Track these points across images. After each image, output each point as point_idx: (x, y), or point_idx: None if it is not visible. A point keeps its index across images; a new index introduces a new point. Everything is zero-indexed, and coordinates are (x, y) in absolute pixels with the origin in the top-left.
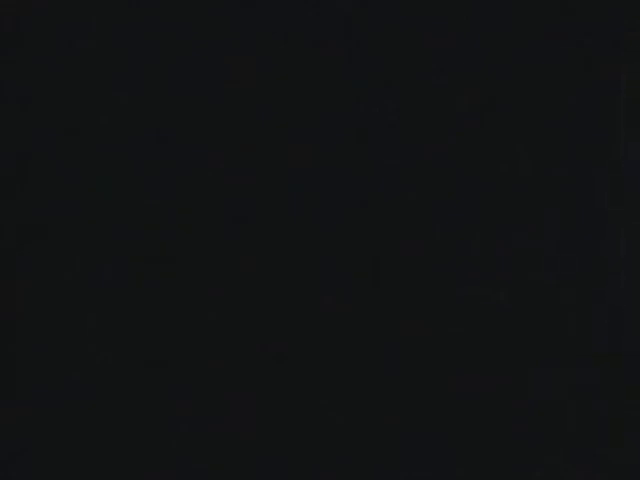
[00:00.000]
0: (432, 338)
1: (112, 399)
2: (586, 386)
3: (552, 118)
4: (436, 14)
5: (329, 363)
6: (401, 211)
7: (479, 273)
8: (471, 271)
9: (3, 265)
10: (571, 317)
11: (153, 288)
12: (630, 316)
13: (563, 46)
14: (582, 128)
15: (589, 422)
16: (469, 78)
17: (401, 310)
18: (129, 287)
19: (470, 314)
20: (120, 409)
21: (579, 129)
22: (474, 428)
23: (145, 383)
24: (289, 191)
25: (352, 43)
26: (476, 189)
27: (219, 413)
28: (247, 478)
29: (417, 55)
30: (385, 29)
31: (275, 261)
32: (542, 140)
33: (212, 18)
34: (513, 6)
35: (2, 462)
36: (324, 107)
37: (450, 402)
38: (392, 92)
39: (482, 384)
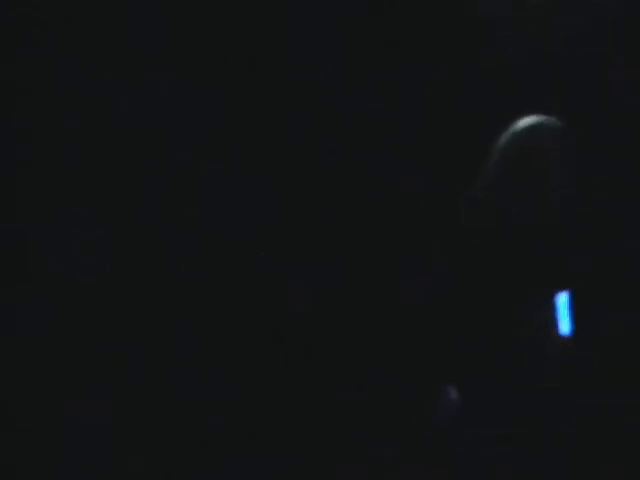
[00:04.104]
0: (431, 338)
1: (111, 399)
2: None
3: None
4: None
5: (329, 363)
6: (401, 210)
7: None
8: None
9: (3, 265)
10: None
11: (153, 288)
12: None
13: None
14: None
15: (589, 422)
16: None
17: (400, 310)
18: (129, 287)
19: (470, 314)
20: (119, 409)
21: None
22: (474, 428)
23: (145, 383)
24: (288, 191)
25: (351, 43)
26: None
27: (219, 413)
28: (247, 478)
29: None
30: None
31: (274, 261)
32: None
33: (212, 18)
34: None
35: (2, 462)
36: (324, 107)
37: (450, 402)
38: (390, 92)
39: (482, 384)
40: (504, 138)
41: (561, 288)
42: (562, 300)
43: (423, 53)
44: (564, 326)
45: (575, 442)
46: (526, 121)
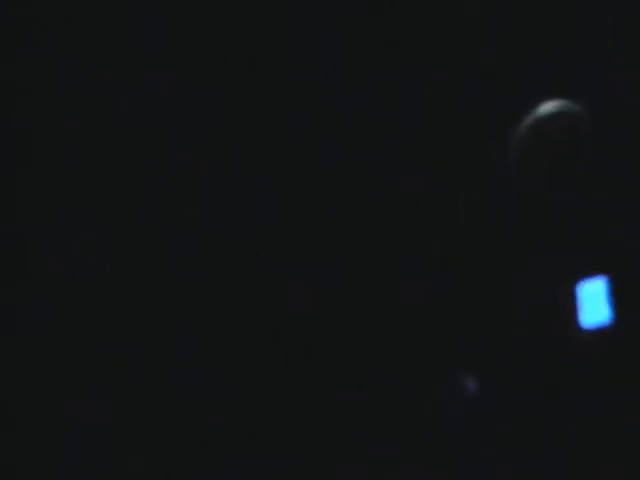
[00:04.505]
0: (431, 338)
1: (111, 399)
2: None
3: None
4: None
5: (328, 363)
6: (400, 210)
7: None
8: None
9: (3, 265)
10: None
11: (153, 288)
12: None
13: None
14: None
15: (590, 421)
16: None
17: (399, 309)
18: (129, 287)
19: (470, 314)
20: (119, 409)
21: None
22: (474, 429)
23: (145, 383)
24: (288, 191)
25: (351, 44)
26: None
27: (219, 413)
28: (247, 478)
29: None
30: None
31: (274, 261)
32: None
33: (212, 18)
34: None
35: (2, 462)
36: (324, 107)
37: (449, 402)
38: (389, 92)
39: (481, 384)
40: (526, 122)
41: (569, 282)
42: (589, 290)
43: (423, 53)
44: (589, 318)
45: (575, 442)
46: (549, 106)
